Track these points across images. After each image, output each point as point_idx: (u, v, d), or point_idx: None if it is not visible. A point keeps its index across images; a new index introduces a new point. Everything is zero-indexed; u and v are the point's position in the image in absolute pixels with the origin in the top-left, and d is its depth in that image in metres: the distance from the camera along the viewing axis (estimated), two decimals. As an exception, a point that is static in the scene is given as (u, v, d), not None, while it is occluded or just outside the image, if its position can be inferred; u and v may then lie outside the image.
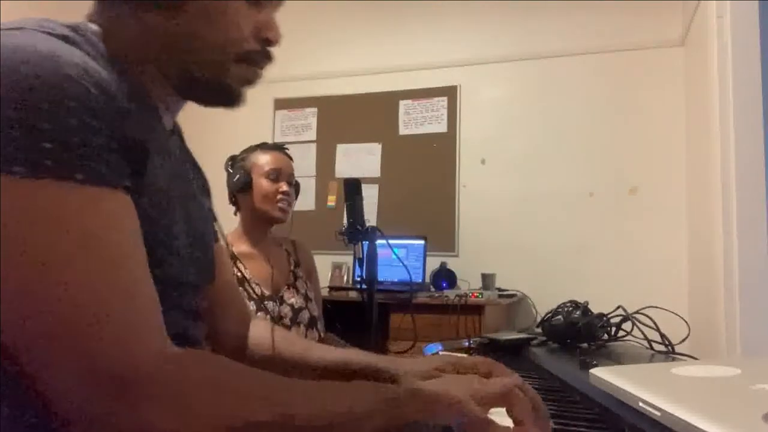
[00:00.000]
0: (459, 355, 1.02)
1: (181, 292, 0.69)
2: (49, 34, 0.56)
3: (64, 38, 0.57)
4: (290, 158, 1.97)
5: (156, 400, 0.49)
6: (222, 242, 0.90)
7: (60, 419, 0.50)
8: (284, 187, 1.87)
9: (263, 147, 1.96)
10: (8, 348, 0.49)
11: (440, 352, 1.22)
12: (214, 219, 0.87)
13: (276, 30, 0.70)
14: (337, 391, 0.61)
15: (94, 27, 0.65)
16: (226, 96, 0.70)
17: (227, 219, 1.52)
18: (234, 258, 1.79)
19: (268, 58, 0.71)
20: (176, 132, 0.78)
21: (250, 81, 0.71)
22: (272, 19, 0.71)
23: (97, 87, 0.53)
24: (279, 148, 1.97)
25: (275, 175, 1.87)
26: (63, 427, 0.50)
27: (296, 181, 1.97)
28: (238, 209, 1.94)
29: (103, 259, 0.51)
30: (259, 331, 0.93)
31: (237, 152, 1.98)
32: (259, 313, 1.75)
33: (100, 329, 0.48)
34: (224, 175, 1.91)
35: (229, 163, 1.95)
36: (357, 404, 0.58)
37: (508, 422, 0.63)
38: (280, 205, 1.86)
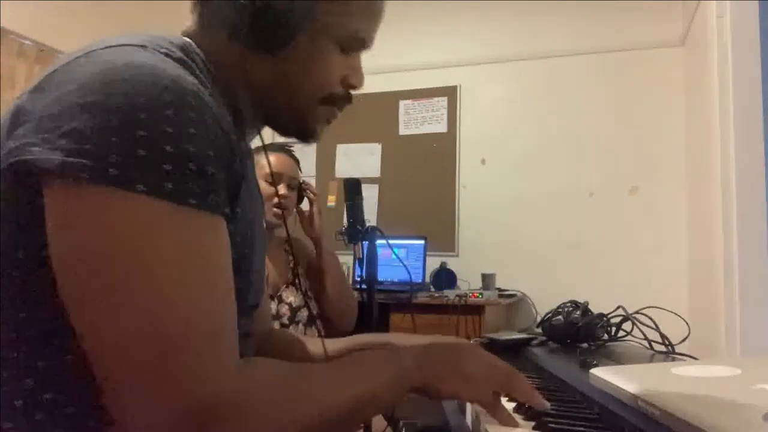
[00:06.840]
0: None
1: (242, 315, 0.69)
2: (167, 56, 0.58)
3: (180, 62, 0.59)
4: (295, 159, 1.94)
5: (226, 423, 0.49)
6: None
7: (101, 418, 0.51)
8: (282, 190, 1.85)
9: (267, 148, 1.94)
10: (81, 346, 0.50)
11: None
12: None
13: (361, 77, 0.75)
14: (357, 370, 0.63)
15: (196, 48, 0.66)
16: (306, 134, 0.75)
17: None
18: None
19: (348, 100, 0.75)
20: (249, 155, 0.80)
21: (329, 120, 0.76)
22: (359, 66, 0.75)
23: (212, 118, 0.55)
24: (283, 149, 1.94)
25: (274, 177, 1.85)
26: (102, 426, 0.51)
27: (300, 183, 1.94)
28: None
29: (196, 278, 0.51)
30: (284, 341, 0.96)
31: None
32: None
33: (178, 348, 0.49)
34: None
35: None
36: (377, 379, 0.62)
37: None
38: (275, 210, 1.82)
